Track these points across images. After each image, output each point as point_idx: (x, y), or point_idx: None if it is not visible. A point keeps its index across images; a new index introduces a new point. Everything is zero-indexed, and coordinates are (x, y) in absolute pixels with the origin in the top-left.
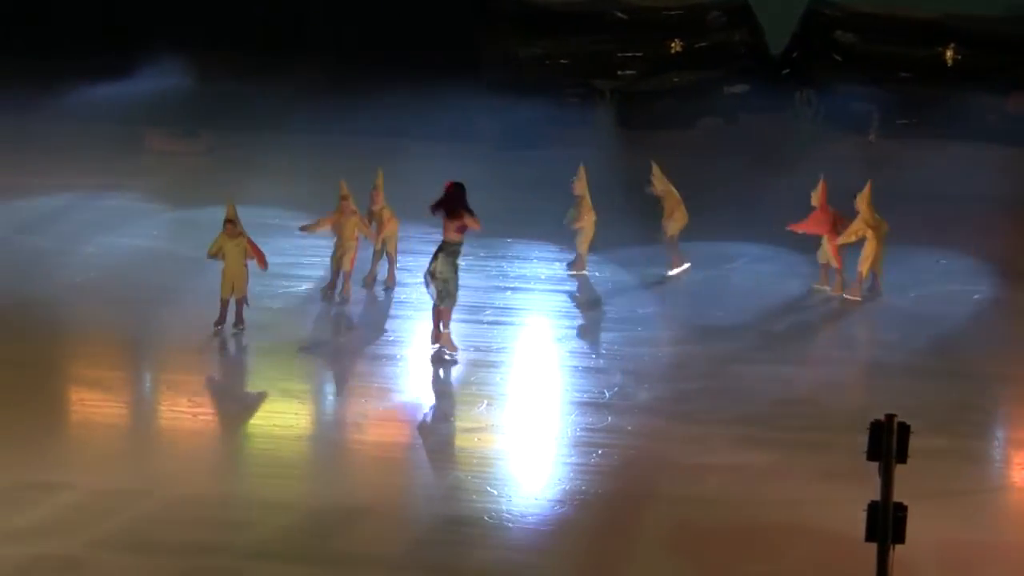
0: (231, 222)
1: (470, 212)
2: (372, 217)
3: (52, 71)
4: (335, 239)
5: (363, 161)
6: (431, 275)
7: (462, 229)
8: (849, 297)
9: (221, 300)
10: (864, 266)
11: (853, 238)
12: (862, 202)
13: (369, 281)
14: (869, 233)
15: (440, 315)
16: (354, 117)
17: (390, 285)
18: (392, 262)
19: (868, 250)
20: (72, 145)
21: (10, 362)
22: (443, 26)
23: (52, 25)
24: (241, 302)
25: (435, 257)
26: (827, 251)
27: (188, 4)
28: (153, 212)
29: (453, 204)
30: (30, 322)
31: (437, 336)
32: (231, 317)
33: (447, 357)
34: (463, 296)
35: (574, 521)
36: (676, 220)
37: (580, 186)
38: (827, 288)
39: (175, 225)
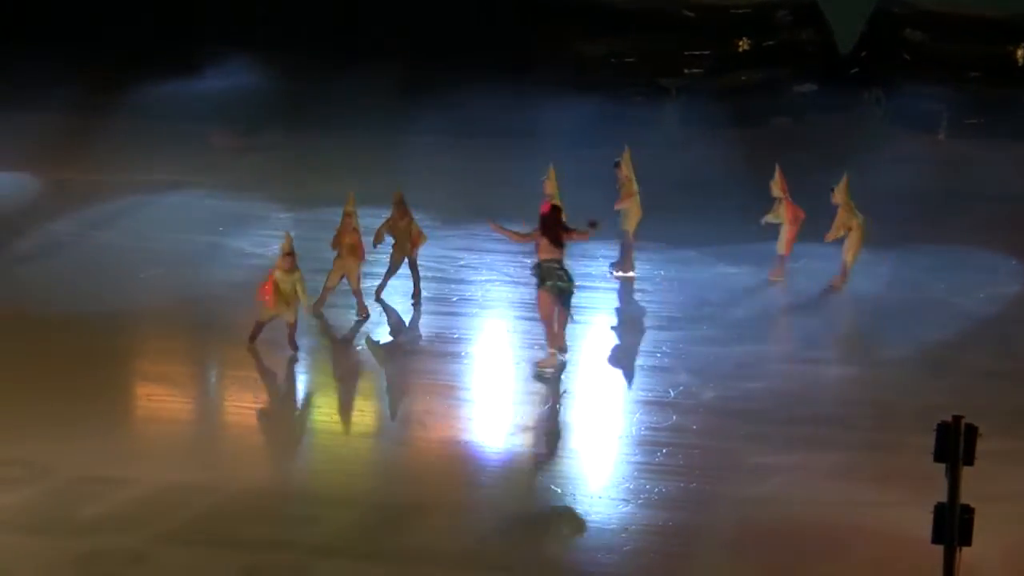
0: (289, 255)
1: (569, 230)
2: (393, 232)
3: (119, 69)
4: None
5: (423, 161)
6: (564, 292)
7: (560, 244)
8: (836, 285)
9: (259, 320)
10: (849, 255)
11: (842, 231)
12: (840, 194)
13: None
14: (854, 223)
15: (561, 316)
16: (415, 116)
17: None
18: (416, 280)
19: (853, 240)
20: (138, 143)
21: (78, 357)
22: (502, 25)
23: (118, 24)
24: (293, 326)
25: (549, 276)
26: (784, 241)
27: (252, 3)
28: (218, 208)
29: (554, 227)
30: (97, 317)
31: (554, 338)
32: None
33: (561, 357)
34: (525, 296)
35: (638, 520)
36: (631, 215)
37: (550, 185)
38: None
39: (239, 221)
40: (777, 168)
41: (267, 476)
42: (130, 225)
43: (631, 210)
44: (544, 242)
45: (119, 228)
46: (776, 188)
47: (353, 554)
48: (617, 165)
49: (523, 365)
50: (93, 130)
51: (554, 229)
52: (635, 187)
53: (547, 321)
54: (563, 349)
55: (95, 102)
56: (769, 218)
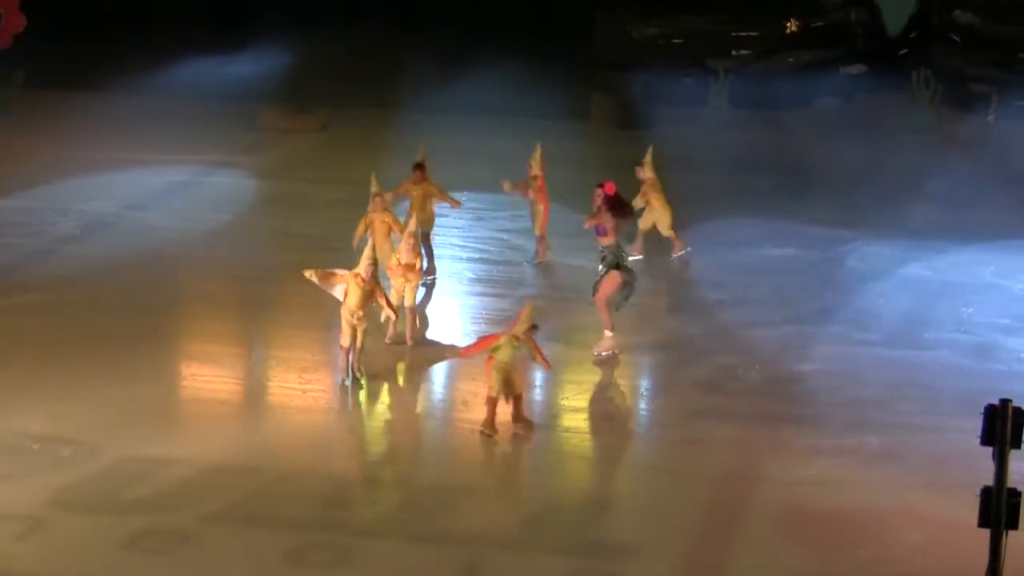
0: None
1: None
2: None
3: (166, 47)
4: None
5: (473, 139)
6: (629, 283)
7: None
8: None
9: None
10: (671, 232)
11: (641, 202)
12: (648, 170)
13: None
14: (655, 197)
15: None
16: (465, 95)
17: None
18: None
19: (663, 216)
20: (185, 122)
21: (124, 336)
22: (554, 4)
23: (166, 1)
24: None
25: (614, 267)
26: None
27: None
28: (266, 189)
29: (622, 209)
30: (142, 297)
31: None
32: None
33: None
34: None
35: (683, 501)
36: (661, 213)
37: (536, 165)
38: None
39: (287, 202)
40: (537, 146)
41: (312, 457)
42: (176, 205)
43: (659, 208)
44: (613, 224)
45: (164, 208)
46: (536, 166)
47: (399, 536)
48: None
49: (561, 345)
50: (137, 109)
51: (622, 210)
52: (656, 183)
53: (607, 305)
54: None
55: (140, 80)
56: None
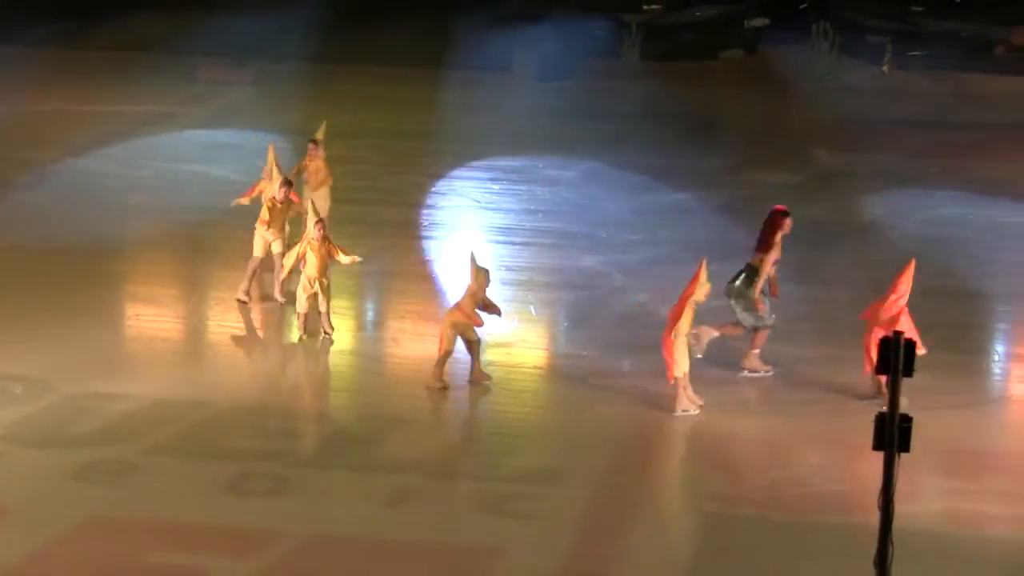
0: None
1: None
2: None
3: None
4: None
5: (401, 90)
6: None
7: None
8: None
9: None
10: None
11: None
12: (321, 148)
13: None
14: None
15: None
16: (388, 47)
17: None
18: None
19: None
20: (125, 74)
21: (70, 279)
22: None
23: None
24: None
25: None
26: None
27: None
28: (203, 138)
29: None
30: (87, 241)
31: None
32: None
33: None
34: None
35: (600, 430)
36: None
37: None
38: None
39: (223, 150)
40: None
41: (252, 392)
42: (118, 154)
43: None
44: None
45: (106, 157)
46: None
47: (332, 465)
48: (315, 143)
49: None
50: (79, 61)
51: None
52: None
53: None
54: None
55: (81, 33)
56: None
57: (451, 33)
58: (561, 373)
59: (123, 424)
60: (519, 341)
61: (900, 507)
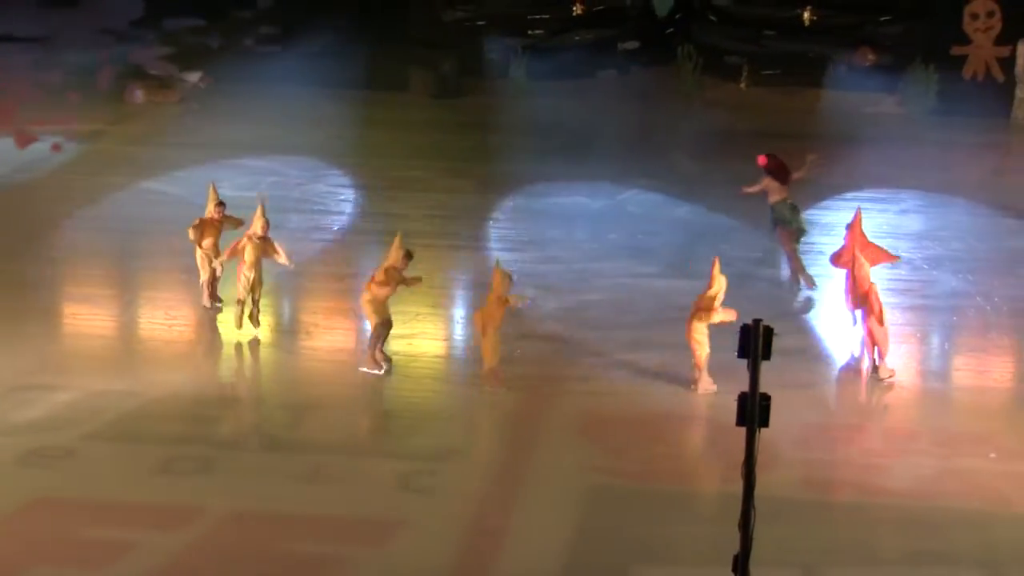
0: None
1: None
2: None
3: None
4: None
5: (316, 111)
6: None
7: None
8: None
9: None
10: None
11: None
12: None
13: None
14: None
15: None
16: (294, 68)
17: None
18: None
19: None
20: (56, 94)
21: (11, 284)
22: None
23: None
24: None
25: (790, 220)
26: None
27: None
28: (132, 153)
29: (784, 170)
30: (26, 249)
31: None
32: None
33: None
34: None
35: (494, 411)
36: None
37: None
38: None
39: (154, 166)
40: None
41: (179, 382)
42: (54, 169)
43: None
44: (774, 185)
45: (44, 171)
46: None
47: (254, 447)
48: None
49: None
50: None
51: (780, 172)
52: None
53: (793, 255)
54: (811, 281)
55: (21, 52)
56: None
57: (354, 57)
58: (458, 361)
59: (61, 413)
60: (419, 333)
61: (761, 476)
